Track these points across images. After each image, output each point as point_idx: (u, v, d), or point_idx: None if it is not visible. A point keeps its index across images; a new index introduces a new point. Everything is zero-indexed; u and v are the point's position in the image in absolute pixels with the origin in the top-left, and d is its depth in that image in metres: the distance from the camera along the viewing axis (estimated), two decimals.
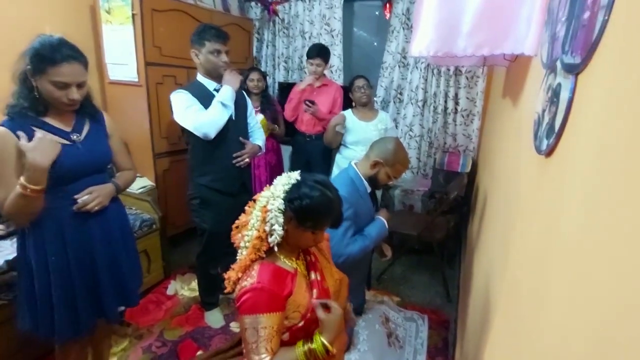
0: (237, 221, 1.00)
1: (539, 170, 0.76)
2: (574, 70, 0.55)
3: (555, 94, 0.64)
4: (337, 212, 0.97)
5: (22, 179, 1.12)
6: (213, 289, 2.21)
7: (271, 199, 0.93)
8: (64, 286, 1.28)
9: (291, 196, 0.92)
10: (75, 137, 1.26)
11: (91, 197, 1.28)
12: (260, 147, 2.07)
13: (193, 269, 2.56)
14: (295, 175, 0.96)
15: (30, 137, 1.13)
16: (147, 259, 2.36)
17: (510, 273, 0.97)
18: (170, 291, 2.44)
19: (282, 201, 0.93)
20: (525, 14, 1.11)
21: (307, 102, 2.69)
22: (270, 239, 0.94)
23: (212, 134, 1.81)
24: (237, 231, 1.00)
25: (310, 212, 0.92)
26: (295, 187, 0.94)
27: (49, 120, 1.21)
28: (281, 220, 0.92)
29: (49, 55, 1.12)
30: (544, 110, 0.70)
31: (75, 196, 1.26)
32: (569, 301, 0.53)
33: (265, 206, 0.94)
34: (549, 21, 0.81)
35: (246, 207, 0.99)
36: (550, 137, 0.64)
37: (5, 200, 1.15)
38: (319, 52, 2.71)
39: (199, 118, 1.80)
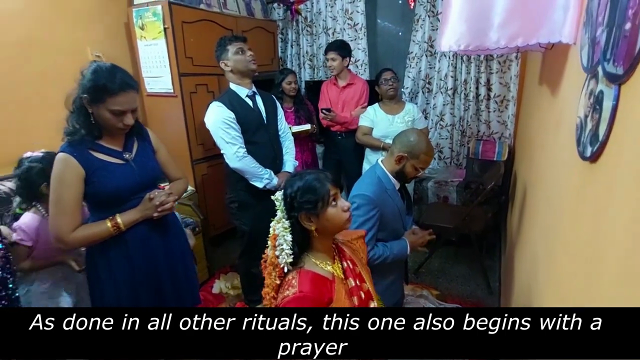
0: (263, 256, 1.04)
1: (583, 176, 0.75)
2: (617, 80, 0.54)
3: (597, 101, 0.63)
4: (327, 175, 1.00)
5: (119, 221, 1.26)
6: (256, 287, 2.31)
7: (276, 224, 0.99)
8: (131, 300, 1.35)
9: (289, 206, 0.97)
10: (127, 155, 1.33)
11: (172, 198, 1.35)
12: (290, 173, 2.15)
13: (234, 268, 2.68)
14: (277, 195, 1.01)
15: (88, 160, 1.23)
16: (193, 260, 2.50)
17: (556, 274, 0.96)
18: (215, 290, 2.57)
19: (285, 219, 0.97)
20: (560, 0, 1.06)
21: (324, 111, 2.71)
22: (279, 260, 0.97)
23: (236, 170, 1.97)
24: (265, 265, 1.04)
25: (308, 195, 0.95)
26: (284, 199, 0.99)
27: (102, 142, 1.29)
28: (289, 238, 0.96)
29: (108, 86, 1.18)
30: (586, 116, 0.69)
31: (150, 195, 1.31)
32: (622, 304, 0.53)
33: (273, 234, 0.99)
34: (588, 23, 0.79)
35: (268, 243, 1.03)
36: (594, 144, 0.63)
37: (67, 227, 1.20)
38: (331, 46, 2.71)
39: (234, 161, 1.93)
